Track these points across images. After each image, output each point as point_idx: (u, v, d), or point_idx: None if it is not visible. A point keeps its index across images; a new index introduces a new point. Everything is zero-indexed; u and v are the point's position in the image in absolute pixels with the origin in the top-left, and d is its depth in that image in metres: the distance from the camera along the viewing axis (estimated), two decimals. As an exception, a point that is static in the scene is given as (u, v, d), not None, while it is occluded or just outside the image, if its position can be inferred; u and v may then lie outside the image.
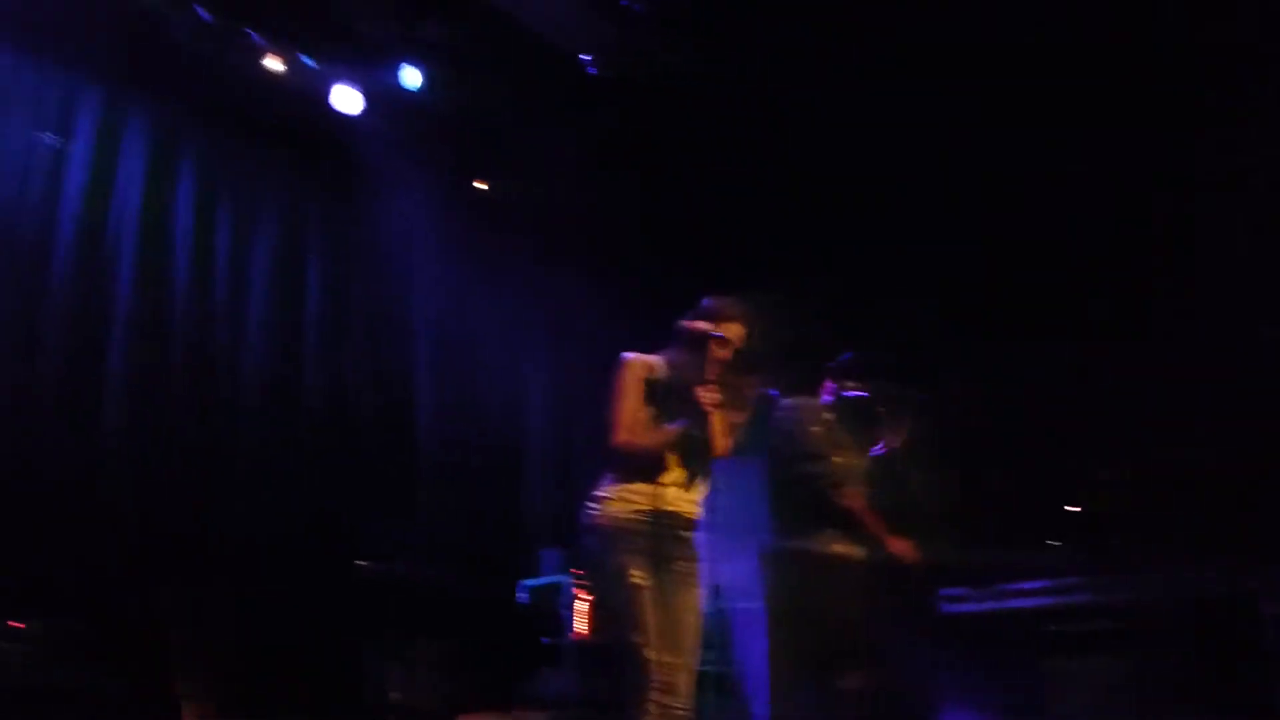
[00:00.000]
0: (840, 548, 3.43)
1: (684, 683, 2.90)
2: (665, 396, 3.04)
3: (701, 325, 3.08)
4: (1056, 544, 4.74)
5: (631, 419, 3.02)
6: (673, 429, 3.03)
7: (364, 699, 4.49)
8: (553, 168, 6.15)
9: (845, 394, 3.63)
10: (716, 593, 3.00)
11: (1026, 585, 4.73)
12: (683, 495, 3.06)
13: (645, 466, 3.02)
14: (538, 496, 6.58)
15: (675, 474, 3.06)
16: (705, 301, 3.17)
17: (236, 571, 5.00)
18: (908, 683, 4.32)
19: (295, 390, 5.56)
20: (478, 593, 5.78)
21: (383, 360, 6.03)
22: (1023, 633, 4.66)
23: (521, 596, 5.69)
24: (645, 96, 5.56)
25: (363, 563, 4.77)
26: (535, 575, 5.78)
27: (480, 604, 5.77)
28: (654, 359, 3.12)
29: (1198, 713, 4.22)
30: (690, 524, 3.06)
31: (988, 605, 4.75)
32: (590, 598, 4.64)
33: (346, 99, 5.43)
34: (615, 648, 2.89)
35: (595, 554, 3.00)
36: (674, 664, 2.87)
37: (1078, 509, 4.82)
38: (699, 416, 2.96)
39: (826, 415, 3.61)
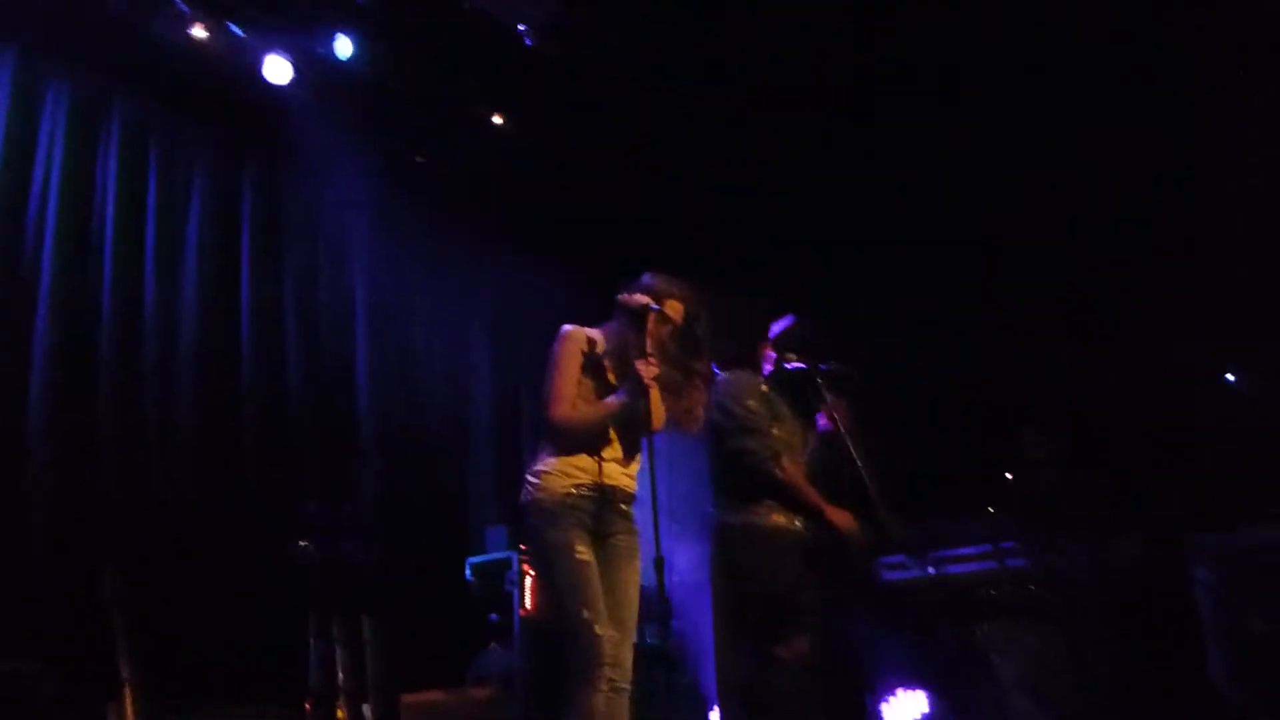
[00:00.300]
0: (779, 518, 3.47)
1: (625, 657, 2.92)
2: (604, 369, 3.04)
3: (640, 298, 3.07)
4: (992, 511, 4.90)
5: (570, 392, 3.01)
6: (614, 402, 3.03)
7: (309, 680, 4.45)
8: (492, 143, 6.13)
9: (786, 365, 3.67)
10: (660, 566, 2.90)
11: (963, 551, 4.91)
12: (622, 469, 3.07)
13: (585, 440, 3.02)
14: (483, 474, 6.59)
15: (615, 448, 3.06)
16: (645, 277, 3.18)
17: (178, 554, 4.95)
18: (848, 649, 4.54)
19: (230, 367, 5.45)
20: (423, 572, 5.83)
21: (321, 336, 5.96)
22: (959, 599, 4.83)
23: (468, 574, 5.70)
24: (588, 73, 5.58)
25: (305, 544, 4.69)
26: (481, 553, 5.78)
27: (426, 583, 5.79)
28: (594, 331, 3.11)
29: (1130, 674, 4.42)
30: (630, 497, 3.08)
31: (926, 572, 4.92)
32: (534, 574, 4.67)
33: (276, 69, 5.32)
34: (562, 625, 2.88)
35: (538, 530, 2.97)
36: (617, 638, 2.89)
37: (1012, 476, 4.98)
38: (638, 390, 2.95)
39: (763, 387, 3.64)
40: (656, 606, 3.05)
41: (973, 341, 5.60)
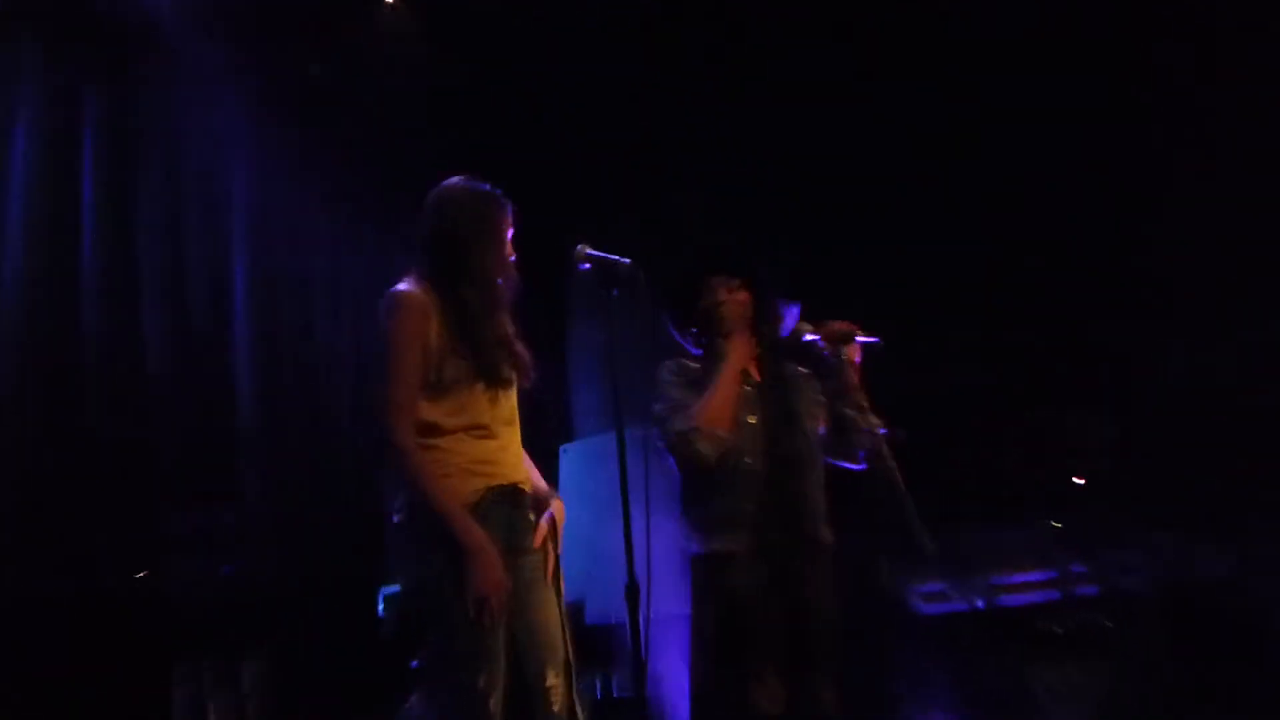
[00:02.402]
0: (715, 543, 3.43)
1: (563, 699, 2.88)
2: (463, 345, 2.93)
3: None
4: (1058, 526, 4.93)
5: (413, 381, 2.86)
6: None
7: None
8: (402, 53, 6.17)
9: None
10: (634, 596, 2.90)
11: (1020, 578, 4.90)
12: (521, 459, 3.01)
13: (479, 422, 2.91)
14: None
15: (510, 430, 2.98)
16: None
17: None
18: (876, 690, 4.62)
19: (67, 339, 5.31)
20: (323, 603, 5.72)
21: (188, 298, 5.81)
22: (1014, 636, 4.81)
23: (380, 608, 5.61)
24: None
25: (166, 566, 4.70)
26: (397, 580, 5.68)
27: (328, 616, 5.69)
28: (426, 294, 2.94)
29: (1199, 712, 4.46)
30: (531, 500, 3.02)
31: (973, 605, 4.90)
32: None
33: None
34: (446, 684, 2.83)
35: (438, 555, 2.77)
36: (552, 685, 2.88)
37: (1081, 481, 5.08)
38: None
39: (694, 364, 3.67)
40: (629, 648, 2.95)
41: (1018, 317, 5.71)
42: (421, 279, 2.94)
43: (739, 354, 3.49)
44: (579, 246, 3.11)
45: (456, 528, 2.77)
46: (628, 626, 2.88)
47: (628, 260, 3.07)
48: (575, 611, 5.46)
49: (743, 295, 3.57)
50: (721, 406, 3.43)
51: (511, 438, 2.99)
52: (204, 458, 5.57)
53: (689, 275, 3.61)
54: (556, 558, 3.02)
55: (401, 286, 2.91)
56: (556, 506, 3.10)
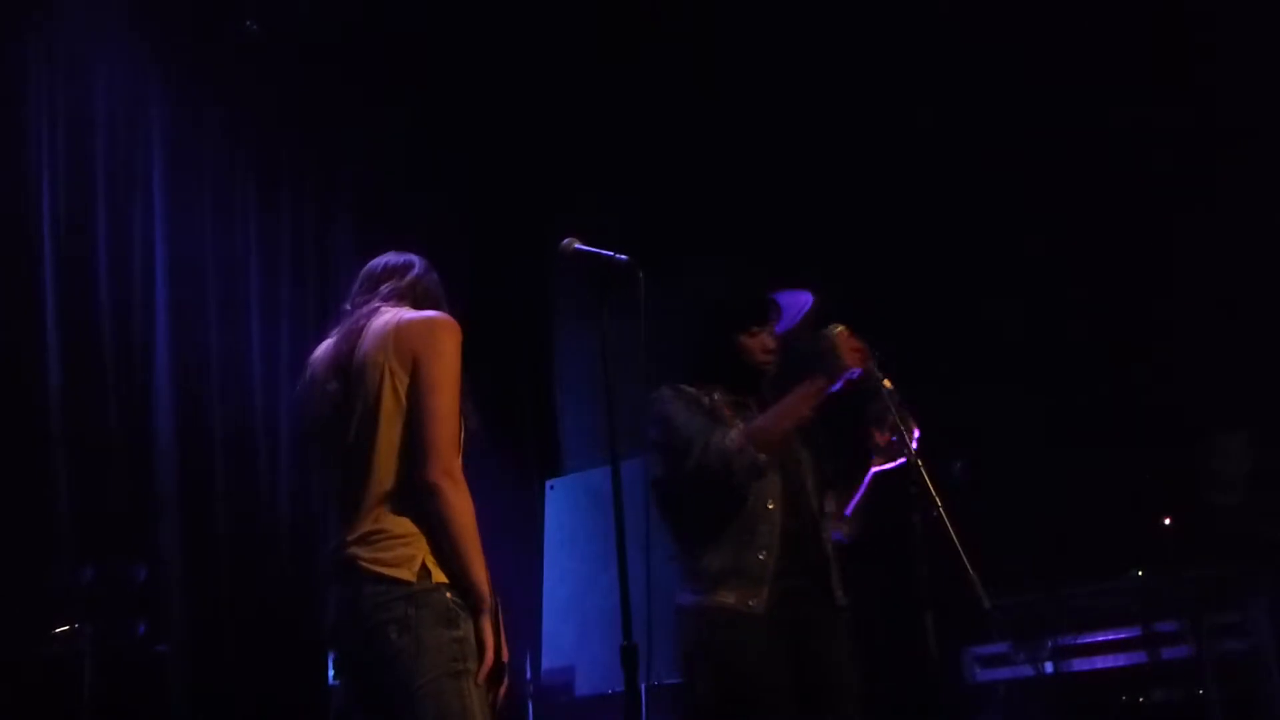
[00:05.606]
0: (727, 597, 3.50)
1: None
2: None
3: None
4: (1143, 575, 4.92)
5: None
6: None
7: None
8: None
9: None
10: (632, 659, 2.89)
11: (1097, 638, 4.95)
12: None
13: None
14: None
15: None
16: None
17: None
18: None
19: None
20: (258, 671, 5.84)
21: (99, 305, 5.87)
22: (1089, 707, 4.88)
23: (331, 676, 5.56)
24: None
25: (70, 627, 4.67)
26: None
27: (263, 688, 5.81)
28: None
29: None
30: None
31: (1040, 669, 4.95)
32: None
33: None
34: None
35: (458, 619, 2.75)
36: None
37: (1171, 520, 4.99)
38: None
39: (716, 395, 3.76)
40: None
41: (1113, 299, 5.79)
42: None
43: (820, 386, 3.54)
44: (566, 242, 3.18)
45: (484, 584, 2.78)
46: (624, 697, 2.91)
47: (624, 256, 3.14)
48: (564, 681, 5.48)
49: (769, 340, 3.77)
50: (782, 427, 3.56)
51: None
52: (113, 502, 5.62)
53: (714, 339, 3.78)
54: None
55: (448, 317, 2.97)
56: None
